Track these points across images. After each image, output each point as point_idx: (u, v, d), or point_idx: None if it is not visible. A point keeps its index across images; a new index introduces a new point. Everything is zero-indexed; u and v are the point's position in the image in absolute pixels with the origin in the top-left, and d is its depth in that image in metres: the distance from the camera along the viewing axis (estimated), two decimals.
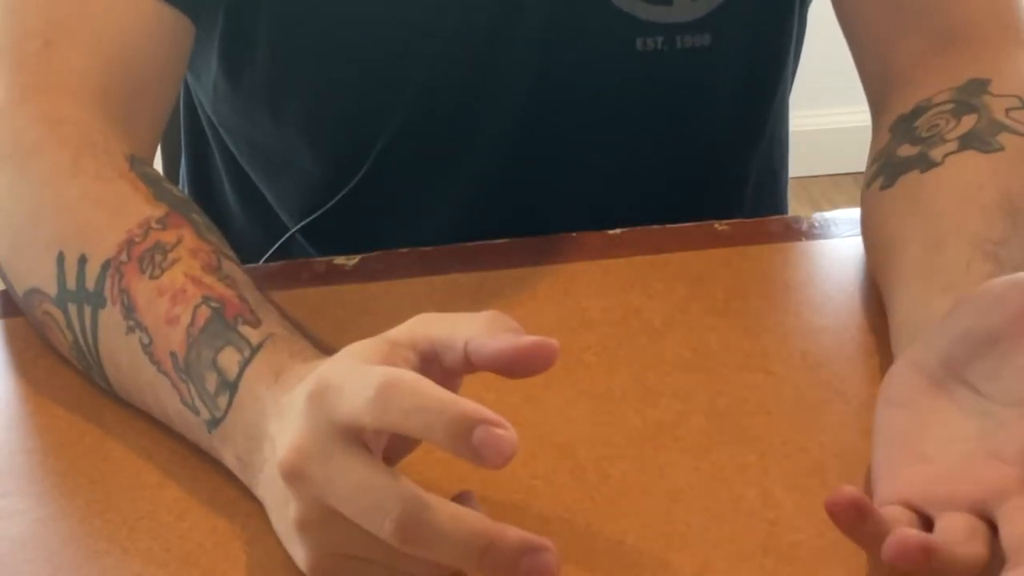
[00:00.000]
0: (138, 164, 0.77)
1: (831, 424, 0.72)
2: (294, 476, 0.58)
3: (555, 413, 0.73)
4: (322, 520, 0.58)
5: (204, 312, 0.68)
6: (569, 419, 0.72)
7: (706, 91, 0.96)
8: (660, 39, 0.92)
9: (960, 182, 0.77)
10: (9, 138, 0.79)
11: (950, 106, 0.82)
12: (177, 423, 0.70)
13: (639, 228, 0.88)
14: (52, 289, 0.74)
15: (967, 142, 0.79)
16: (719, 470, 0.69)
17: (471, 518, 0.56)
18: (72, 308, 0.73)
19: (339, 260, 0.85)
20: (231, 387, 0.66)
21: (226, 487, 0.68)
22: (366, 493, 0.56)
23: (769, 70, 0.99)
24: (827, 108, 2.58)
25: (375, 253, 0.86)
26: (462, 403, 0.55)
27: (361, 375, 0.57)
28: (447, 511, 0.56)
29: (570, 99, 0.94)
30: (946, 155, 0.79)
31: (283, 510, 0.61)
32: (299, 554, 0.61)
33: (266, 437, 0.63)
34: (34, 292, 0.75)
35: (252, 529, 0.65)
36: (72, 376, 0.76)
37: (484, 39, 0.91)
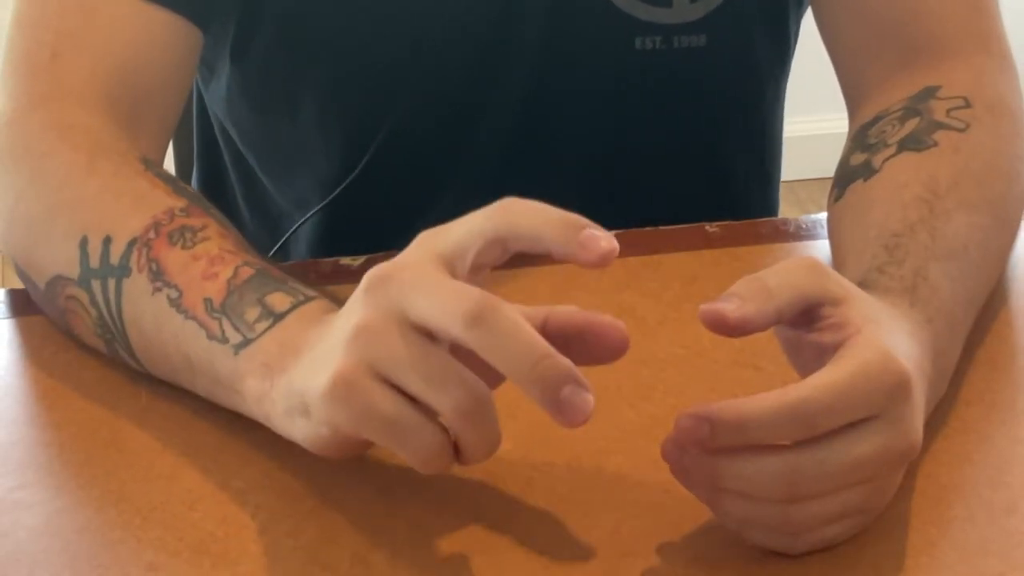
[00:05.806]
0: (152, 165, 0.79)
1: None
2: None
3: None
4: (383, 329, 0.60)
5: (247, 270, 0.71)
6: None
7: (701, 91, 0.97)
8: (658, 39, 0.93)
9: (890, 185, 0.79)
10: (21, 143, 0.81)
11: (899, 113, 0.84)
12: (196, 365, 0.71)
13: (633, 230, 0.88)
14: (75, 272, 0.75)
15: (904, 144, 0.81)
16: None
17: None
18: (96, 284, 0.75)
19: (345, 260, 0.86)
20: (276, 317, 0.68)
21: (235, 478, 0.69)
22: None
23: (763, 72, 1.00)
24: (815, 114, 2.59)
25: (379, 253, 0.86)
26: (556, 355, 0.58)
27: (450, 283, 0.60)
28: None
29: (569, 97, 0.95)
30: (884, 160, 0.81)
31: (313, 375, 0.62)
32: (319, 380, 0.62)
33: (307, 344, 0.65)
34: (56, 279, 0.77)
35: (261, 519, 0.67)
36: (88, 372, 0.77)
37: (486, 38, 0.93)
